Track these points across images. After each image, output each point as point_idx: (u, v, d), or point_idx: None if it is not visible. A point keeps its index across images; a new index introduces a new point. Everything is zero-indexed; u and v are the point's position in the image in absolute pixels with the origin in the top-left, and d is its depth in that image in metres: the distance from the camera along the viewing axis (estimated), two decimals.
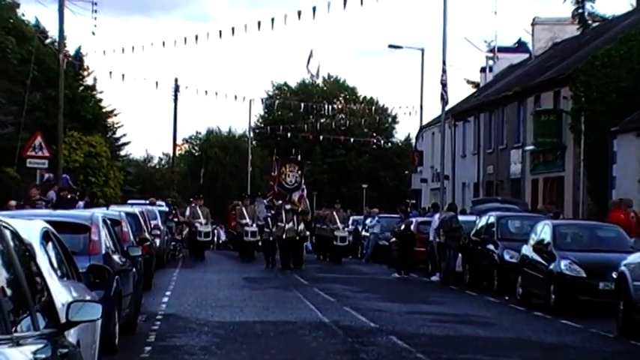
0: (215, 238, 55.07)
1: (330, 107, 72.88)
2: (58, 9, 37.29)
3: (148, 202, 38.74)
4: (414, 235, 31.46)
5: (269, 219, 33.40)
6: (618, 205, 24.97)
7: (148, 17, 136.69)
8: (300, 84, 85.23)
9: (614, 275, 17.42)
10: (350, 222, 41.25)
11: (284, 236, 32.13)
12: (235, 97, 76.50)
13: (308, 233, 36.26)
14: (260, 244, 35.90)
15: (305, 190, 35.56)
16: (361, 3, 31.07)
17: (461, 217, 31.46)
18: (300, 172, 35.66)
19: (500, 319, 18.95)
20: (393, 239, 36.63)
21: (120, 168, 54.82)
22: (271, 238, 32.96)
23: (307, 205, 35.11)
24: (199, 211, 36.61)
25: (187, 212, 38.19)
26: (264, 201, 37.16)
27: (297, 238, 32.58)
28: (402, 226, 33.09)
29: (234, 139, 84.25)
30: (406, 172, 67.91)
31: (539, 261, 21.12)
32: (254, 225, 35.12)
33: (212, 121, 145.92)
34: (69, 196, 28.56)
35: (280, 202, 33.50)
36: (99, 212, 15.33)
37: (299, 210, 33.20)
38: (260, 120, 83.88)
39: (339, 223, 36.30)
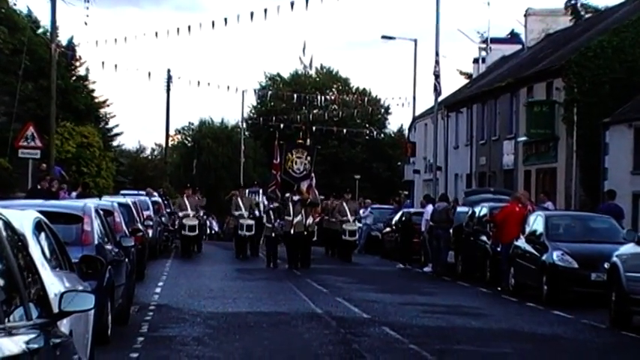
0: (207, 229, 55.09)
1: (322, 98, 72.79)
2: None
3: (144, 192, 38.54)
4: (414, 225, 31.36)
5: (271, 212, 30.32)
6: (516, 198, 25.14)
7: (137, 7, 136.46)
8: (292, 75, 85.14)
9: (606, 266, 17.47)
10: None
11: (292, 231, 28.73)
12: (228, 87, 76.20)
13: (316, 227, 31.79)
14: (261, 241, 33.49)
15: (314, 179, 32.42)
16: None
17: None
18: (309, 158, 32.38)
19: (493, 309, 18.98)
20: (387, 230, 36.72)
21: (112, 158, 54.70)
22: (274, 234, 29.79)
23: (317, 196, 31.90)
24: (186, 202, 32.88)
25: (175, 205, 35.64)
26: (259, 190, 35.88)
27: (306, 233, 28.96)
28: (403, 217, 33.18)
29: (226, 130, 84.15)
30: (399, 163, 67.93)
31: (531, 252, 21.16)
32: (249, 220, 31.91)
33: (205, 112, 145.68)
34: (53, 188, 28.37)
35: (288, 194, 30.32)
36: (91, 203, 15.31)
37: (307, 201, 29.71)
38: (253, 111, 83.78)
39: (349, 216, 32.76)
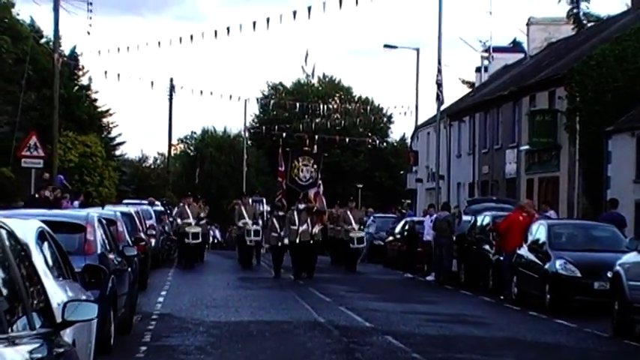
0: (210, 238, 55.03)
1: (325, 107, 72.88)
2: (53, 8, 37.29)
3: (147, 201, 38.47)
4: (418, 235, 31.28)
5: (275, 221, 29.60)
6: (520, 207, 25.10)
7: (139, 17, 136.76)
8: (295, 84, 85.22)
9: (609, 275, 17.46)
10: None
11: (297, 240, 28.01)
12: (230, 96, 76.48)
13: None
14: (264, 250, 32.78)
15: (321, 187, 31.74)
16: (356, 3, 31.17)
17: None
18: (315, 166, 31.72)
19: (496, 318, 18.97)
20: (390, 238, 36.73)
21: (115, 168, 54.82)
22: (280, 244, 28.88)
23: (324, 204, 31.23)
24: (188, 211, 31.82)
25: (174, 212, 34.35)
26: (263, 199, 35.34)
27: (311, 242, 28.33)
28: (407, 226, 33.21)
29: (229, 139, 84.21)
30: (401, 172, 67.94)
31: (534, 261, 21.15)
32: (255, 226, 31.41)
33: (207, 121, 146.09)
34: (51, 197, 28.35)
35: (297, 203, 29.32)
36: (94, 212, 15.33)
37: (314, 209, 28.97)
38: (255, 120, 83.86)
39: (354, 224, 31.93)
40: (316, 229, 28.63)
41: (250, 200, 34.63)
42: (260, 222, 32.18)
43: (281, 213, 29.93)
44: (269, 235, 30.14)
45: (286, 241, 28.48)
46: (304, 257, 28.16)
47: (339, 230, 33.04)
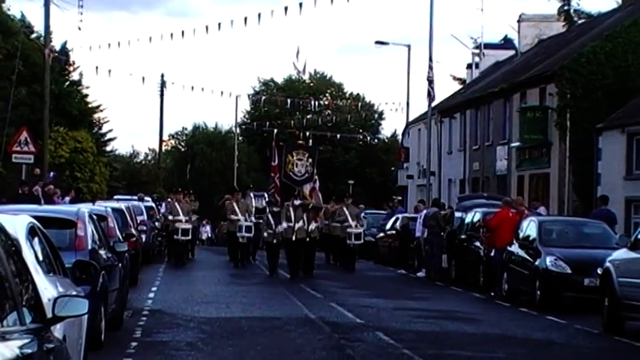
0: (204, 234, 54.99)
1: (316, 103, 72.82)
2: (43, 4, 37.21)
3: (136, 197, 38.39)
4: (411, 232, 31.27)
5: (270, 217, 28.35)
6: (507, 203, 25.13)
7: (131, 13, 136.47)
8: (286, 80, 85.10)
9: (599, 271, 17.50)
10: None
11: (293, 238, 26.96)
12: (222, 92, 76.10)
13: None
14: (261, 246, 31.99)
15: (317, 182, 30.92)
16: None
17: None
18: (310, 160, 30.70)
19: (486, 315, 19.00)
20: (381, 235, 36.76)
21: (106, 163, 54.75)
22: (275, 241, 27.87)
23: (320, 200, 30.39)
24: (178, 207, 31.10)
25: (163, 209, 33.28)
26: (265, 194, 34.99)
27: (308, 239, 27.31)
28: (401, 222, 33.26)
29: (220, 135, 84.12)
30: (392, 168, 67.97)
31: (524, 257, 21.20)
32: (247, 222, 30.51)
33: (198, 117, 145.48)
34: (36, 192, 28.29)
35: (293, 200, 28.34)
36: (85, 208, 15.30)
37: (310, 205, 28.04)
38: (246, 116, 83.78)
39: (350, 221, 30.80)
40: (312, 226, 27.64)
41: (252, 195, 34.14)
42: (253, 219, 31.30)
43: (275, 209, 28.92)
44: (264, 231, 29.03)
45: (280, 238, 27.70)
46: (301, 255, 27.23)
47: (334, 227, 32.16)
